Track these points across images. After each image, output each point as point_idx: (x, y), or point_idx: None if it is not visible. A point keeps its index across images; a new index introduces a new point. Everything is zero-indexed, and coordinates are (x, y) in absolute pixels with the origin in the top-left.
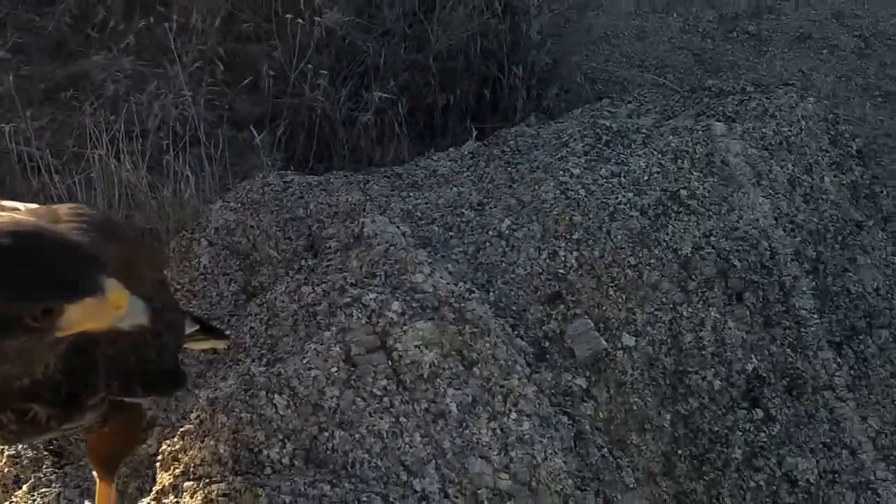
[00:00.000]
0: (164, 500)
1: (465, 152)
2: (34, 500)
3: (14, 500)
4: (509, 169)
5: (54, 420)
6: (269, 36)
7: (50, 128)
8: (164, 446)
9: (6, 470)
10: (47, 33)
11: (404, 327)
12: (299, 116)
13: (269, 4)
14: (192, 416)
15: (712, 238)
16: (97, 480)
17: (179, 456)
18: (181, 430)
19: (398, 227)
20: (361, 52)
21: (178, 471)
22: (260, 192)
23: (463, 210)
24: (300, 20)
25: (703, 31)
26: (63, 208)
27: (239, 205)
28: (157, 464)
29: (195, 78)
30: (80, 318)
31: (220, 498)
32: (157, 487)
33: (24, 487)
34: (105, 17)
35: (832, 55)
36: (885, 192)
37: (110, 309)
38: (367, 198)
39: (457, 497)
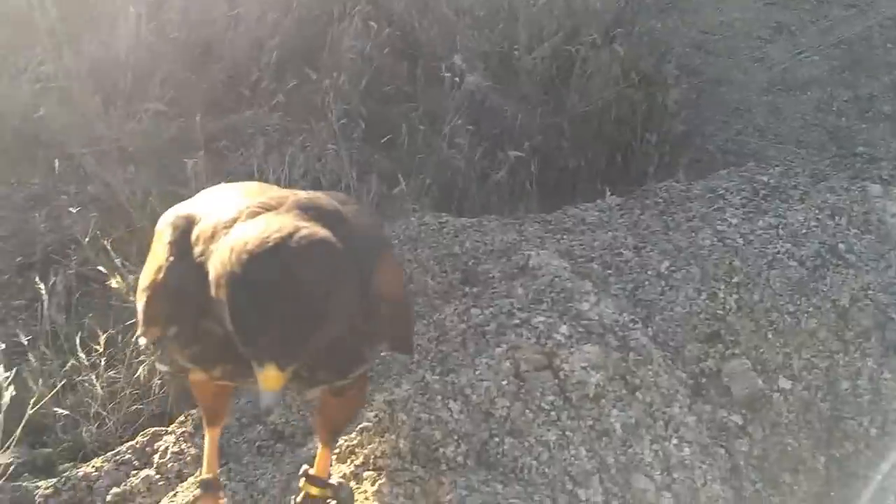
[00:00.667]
0: None
1: (613, 204)
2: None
3: (179, 490)
4: (664, 217)
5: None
6: (409, 98)
7: (205, 171)
8: (342, 441)
9: (170, 465)
10: (203, 89)
11: (571, 349)
12: (437, 172)
13: (411, 69)
14: (371, 415)
15: (870, 292)
16: (321, 447)
17: (357, 450)
18: (359, 427)
19: (560, 262)
20: (499, 115)
21: (357, 462)
22: (416, 230)
23: (622, 251)
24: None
25: (838, 110)
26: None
27: (396, 241)
28: (334, 457)
29: (340, 134)
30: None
31: (406, 483)
32: (335, 478)
33: (188, 481)
34: (258, 77)
35: None
36: None
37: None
38: (523, 238)
39: None
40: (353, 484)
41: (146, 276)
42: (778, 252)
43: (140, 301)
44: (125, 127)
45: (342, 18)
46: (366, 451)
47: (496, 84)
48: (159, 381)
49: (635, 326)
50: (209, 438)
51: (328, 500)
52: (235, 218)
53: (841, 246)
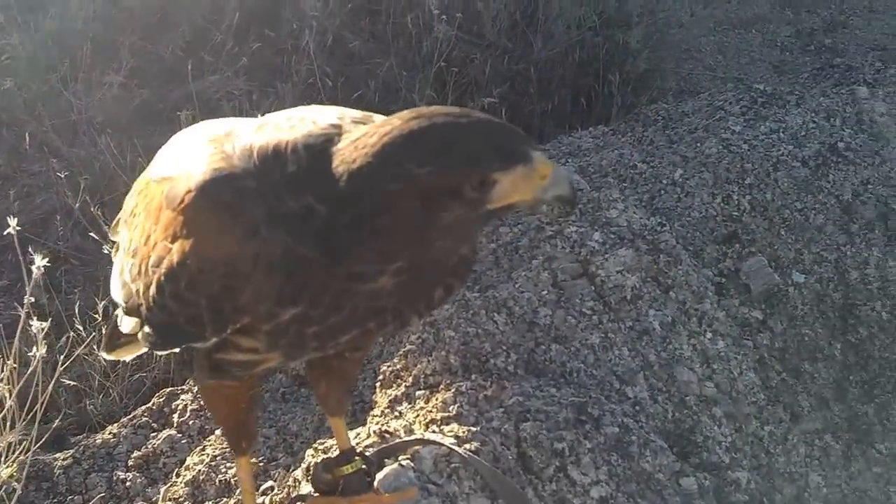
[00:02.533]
0: (398, 408)
1: (605, 129)
2: (223, 445)
3: (205, 444)
4: (667, 132)
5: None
6: (376, 54)
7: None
8: (382, 368)
9: (191, 422)
10: (162, 59)
11: (605, 255)
12: None
13: (377, 25)
14: (412, 338)
15: (870, 185)
16: (333, 419)
17: (402, 373)
18: (401, 352)
19: (579, 177)
20: (468, 64)
21: (407, 383)
22: None
23: (634, 164)
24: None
25: (782, 45)
26: None
27: None
28: (378, 384)
29: (306, 95)
30: (510, 188)
31: (468, 391)
32: (384, 401)
33: (214, 435)
34: (220, 41)
35: None
36: None
37: (537, 178)
38: None
39: (666, 403)
40: (406, 405)
41: (204, 258)
42: (782, 154)
43: (212, 288)
44: (90, 99)
45: None
46: (414, 372)
47: (463, 33)
48: None
49: (663, 230)
50: (243, 469)
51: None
52: (330, 134)
53: (839, 145)
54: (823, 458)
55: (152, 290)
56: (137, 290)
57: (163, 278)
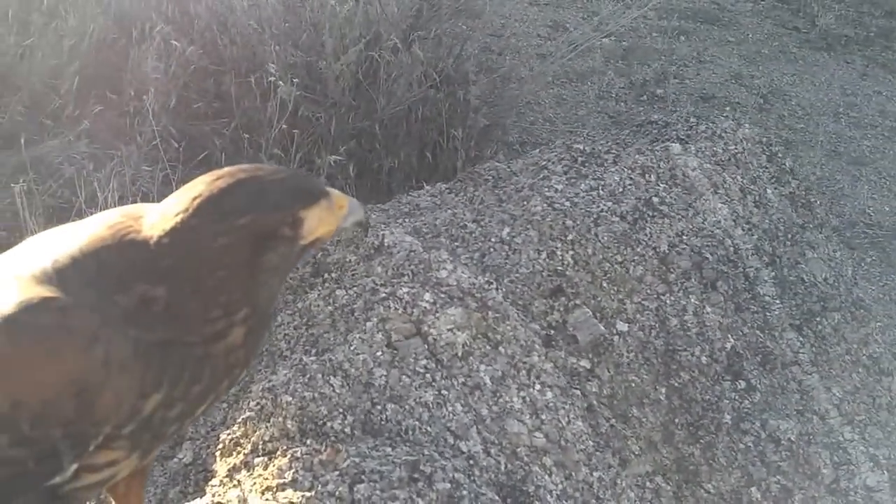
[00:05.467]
0: (237, 476)
1: (443, 188)
2: None
3: None
4: (497, 191)
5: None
6: (221, 114)
7: (11, 210)
8: (222, 436)
9: None
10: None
11: (437, 314)
12: None
13: (218, 85)
14: (251, 404)
15: (684, 237)
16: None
17: (241, 441)
18: (241, 418)
19: (412, 238)
20: (312, 123)
21: (245, 451)
22: None
23: (465, 224)
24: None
25: (616, 96)
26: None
27: None
28: (217, 453)
29: (150, 156)
30: (316, 222)
31: (303, 457)
32: (223, 470)
33: None
34: (60, 105)
35: (735, 112)
36: (818, 202)
37: (336, 210)
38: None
39: (498, 455)
40: (244, 472)
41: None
42: (601, 210)
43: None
44: None
45: (143, 40)
46: (252, 439)
47: (306, 93)
48: None
49: (491, 287)
50: None
51: None
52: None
53: (654, 199)
54: (655, 500)
55: None
56: None
57: None
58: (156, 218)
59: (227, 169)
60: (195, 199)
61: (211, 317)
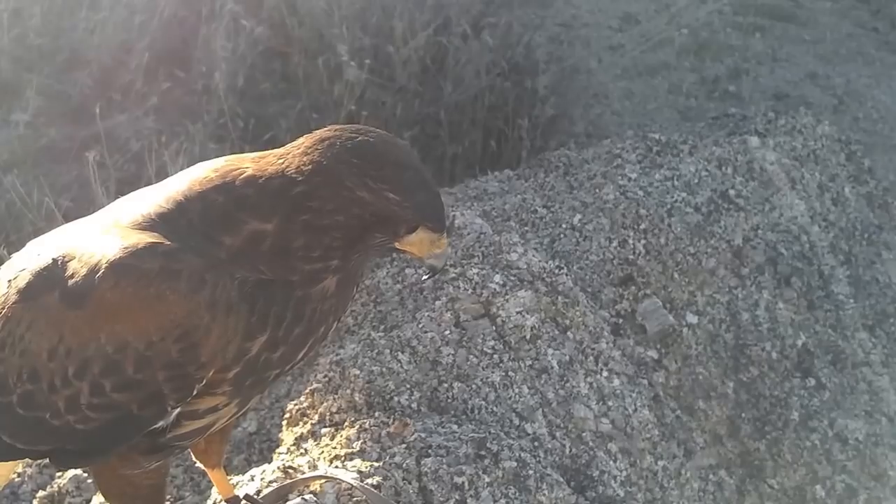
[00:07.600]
0: (304, 445)
1: (511, 174)
2: None
3: None
4: (567, 178)
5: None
6: (287, 95)
7: (78, 182)
8: (289, 406)
9: None
10: (70, 98)
11: (506, 296)
12: None
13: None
14: (318, 376)
15: (759, 231)
16: (213, 472)
17: (308, 411)
18: (307, 390)
19: (482, 221)
20: (378, 106)
21: (312, 421)
22: None
23: (535, 209)
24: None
25: (687, 92)
26: None
27: None
28: (284, 422)
29: (216, 135)
30: (417, 241)
31: (371, 428)
32: (290, 439)
33: None
34: (129, 80)
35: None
36: (895, 203)
37: (434, 246)
38: None
39: (563, 438)
40: (311, 442)
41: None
42: (676, 201)
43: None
44: None
45: (212, 18)
46: (320, 410)
47: (374, 77)
48: None
49: (561, 272)
50: None
51: None
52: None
53: (730, 192)
54: (717, 493)
55: (83, 398)
56: (51, 414)
57: (98, 377)
58: (278, 155)
59: (372, 133)
60: (344, 149)
61: (312, 255)
